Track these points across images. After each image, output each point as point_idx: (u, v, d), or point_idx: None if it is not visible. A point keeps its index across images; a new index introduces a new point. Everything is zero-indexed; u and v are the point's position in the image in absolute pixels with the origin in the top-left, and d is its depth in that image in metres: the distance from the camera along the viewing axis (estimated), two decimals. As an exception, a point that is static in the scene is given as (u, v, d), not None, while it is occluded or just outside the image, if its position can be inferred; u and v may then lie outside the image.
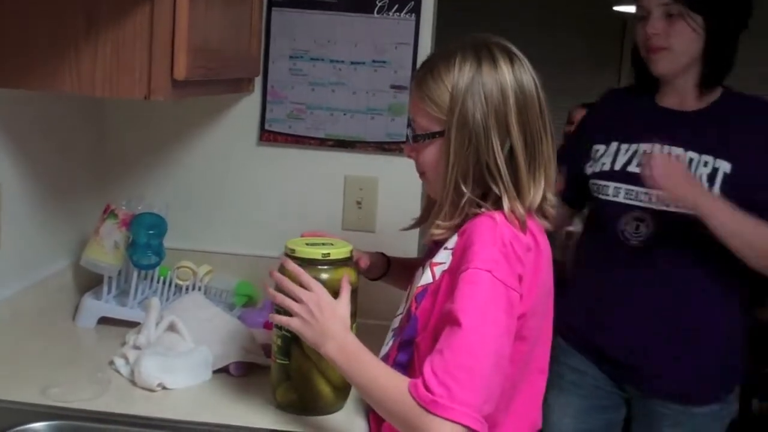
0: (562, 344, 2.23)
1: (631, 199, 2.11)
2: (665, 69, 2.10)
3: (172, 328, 1.91)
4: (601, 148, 2.20)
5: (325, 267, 1.64)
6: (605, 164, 2.16)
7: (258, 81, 2.33)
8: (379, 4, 2.27)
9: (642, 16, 2.10)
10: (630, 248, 2.11)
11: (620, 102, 2.27)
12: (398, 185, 2.33)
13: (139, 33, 1.63)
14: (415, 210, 2.35)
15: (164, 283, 2.20)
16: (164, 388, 1.77)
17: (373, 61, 2.29)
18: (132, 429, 1.62)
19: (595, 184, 2.18)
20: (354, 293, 1.65)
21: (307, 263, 1.62)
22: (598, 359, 2.22)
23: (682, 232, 2.04)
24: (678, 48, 2.06)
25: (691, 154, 2.04)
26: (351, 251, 1.69)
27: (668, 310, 2.09)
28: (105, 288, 2.14)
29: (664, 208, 2.03)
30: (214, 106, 2.35)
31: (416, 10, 2.27)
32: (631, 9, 4.29)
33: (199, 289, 2.20)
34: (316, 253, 1.64)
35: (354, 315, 1.65)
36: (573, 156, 2.24)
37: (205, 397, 1.76)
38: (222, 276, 2.25)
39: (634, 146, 2.13)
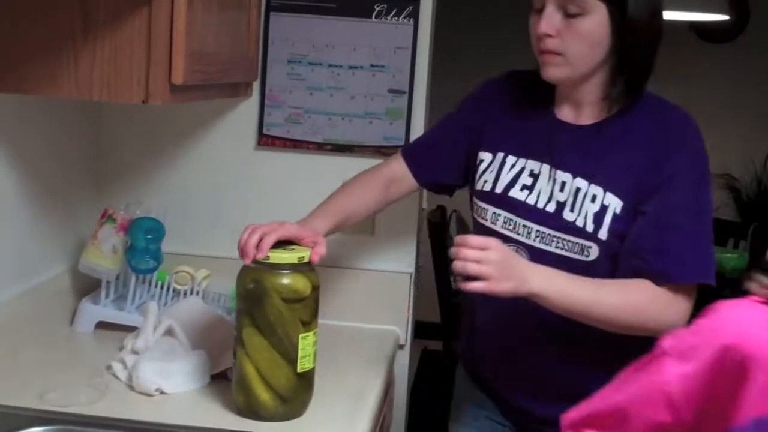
0: (462, 373, 2.04)
1: (509, 230, 1.79)
2: (556, 77, 1.72)
3: (169, 332, 1.91)
4: (486, 158, 1.85)
5: (306, 270, 1.66)
6: (487, 182, 1.83)
7: (256, 85, 2.33)
8: (378, 9, 2.27)
9: (536, 9, 1.71)
10: None
11: (518, 97, 1.87)
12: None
13: (137, 37, 1.63)
14: (413, 213, 2.36)
15: (162, 287, 2.20)
16: (162, 392, 1.77)
17: (372, 66, 2.29)
18: (130, 434, 1.62)
19: (475, 204, 1.87)
20: (316, 293, 1.67)
21: (293, 268, 1.64)
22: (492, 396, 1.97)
23: None
24: (575, 57, 1.68)
25: (579, 182, 1.72)
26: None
27: (550, 366, 1.82)
28: (103, 292, 2.14)
29: (543, 246, 1.74)
30: (212, 111, 2.35)
31: (414, 15, 2.27)
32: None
33: (197, 293, 2.20)
34: (292, 257, 1.65)
35: (316, 315, 1.67)
36: (452, 143, 1.94)
37: (202, 402, 1.76)
38: (220, 280, 2.24)
39: (521, 162, 1.80)
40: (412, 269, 2.37)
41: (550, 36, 1.67)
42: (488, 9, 5.78)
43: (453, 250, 1.60)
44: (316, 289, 1.67)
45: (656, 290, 1.66)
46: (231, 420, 1.67)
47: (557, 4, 1.66)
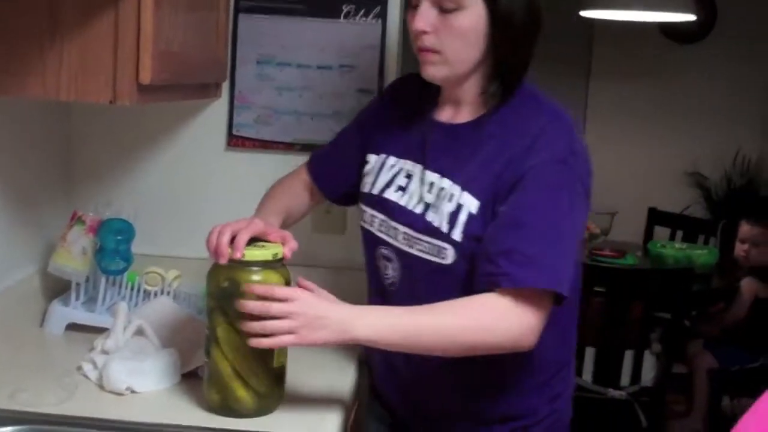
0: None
1: (382, 232, 1.76)
2: (435, 77, 1.67)
3: (140, 332, 1.91)
4: (371, 160, 1.82)
5: (279, 267, 1.67)
6: (367, 184, 1.80)
7: (226, 86, 2.33)
8: (346, 9, 2.28)
9: (413, 5, 1.65)
10: (391, 291, 1.78)
11: (409, 99, 1.82)
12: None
13: (104, 37, 1.64)
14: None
15: (133, 288, 2.20)
16: (133, 391, 1.76)
17: (340, 66, 2.30)
18: (100, 433, 1.62)
19: (360, 207, 1.84)
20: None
21: (265, 265, 1.64)
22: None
23: (427, 280, 1.68)
24: (452, 54, 1.63)
25: (444, 182, 1.66)
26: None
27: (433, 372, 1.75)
28: (73, 294, 2.14)
29: (407, 249, 1.70)
30: (181, 111, 2.36)
31: (383, 15, 2.28)
32: (598, 14, 4.32)
33: (168, 294, 2.20)
34: (267, 254, 1.65)
35: None
36: (349, 151, 1.91)
37: (173, 400, 1.76)
38: (191, 281, 2.25)
39: (400, 163, 1.76)
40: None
41: (426, 32, 1.62)
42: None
43: (251, 305, 1.56)
44: (288, 284, 1.67)
45: (498, 302, 1.54)
46: (202, 417, 1.68)
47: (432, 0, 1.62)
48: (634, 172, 6.02)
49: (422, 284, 1.69)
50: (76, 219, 2.13)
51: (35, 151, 2.22)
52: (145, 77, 1.67)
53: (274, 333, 1.55)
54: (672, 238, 4.96)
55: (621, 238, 4.56)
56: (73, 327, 2.11)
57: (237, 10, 2.30)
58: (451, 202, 1.63)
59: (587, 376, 3.67)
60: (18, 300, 2.11)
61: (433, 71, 1.65)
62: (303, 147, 2.34)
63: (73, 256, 2.11)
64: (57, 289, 2.21)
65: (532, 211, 1.56)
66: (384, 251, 1.76)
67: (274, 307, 1.55)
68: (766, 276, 4.46)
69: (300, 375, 1.80)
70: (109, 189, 2.38)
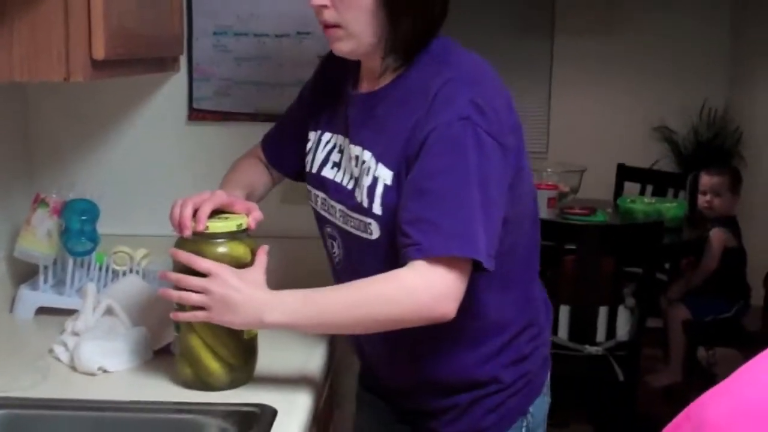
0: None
1: (325, 211, 1.73)
2: (343, 51, 1.62)
3: (110, 312, 1.90)
4: (311, 137, 1.79)
5: (244, 237, 1.65)
6: (308, 162, 1.78)
7: (183, 60, 2.31)
8: (300, -25, 2.25)
9: None
10: (338, 270, 1.75)
11: (336, 69, 1.77)
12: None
13: (54, 13, 1.61)
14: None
15: (101, 269, 2.18)
16: (105, 371, 1.76)
17: (298, 33, 2.28)
18: (74, 413, 1.62)
19: (307, 186, 1.81)
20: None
21: (230, 237, 1.63)
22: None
23: (362, 257, 1.65)
24: (354, 26, 1.57)
25: (365, 154, 1.61)
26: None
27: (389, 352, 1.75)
28: (41, 278, 2.12)
29: (344, 226, 1.66)
30: (140, 87, 2.33)
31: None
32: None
33: (137, 273, 2.19)
34: (230, 225, 1.63)
35: None
36: (297, 128, 1.87)
37: (147, 378, 1.75)
38: (159, 258, 2.23)
39: (334, 139, 1.73)
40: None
41: (325, 7, 1.57)
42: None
43: (174, 277, 1.58)
44: (254, 254, 1.66)
45: (407, 274, 1.48)
46: (177, 392, 1.67)
47: None
48: (601, 128, 6.04)
49: (359, 262, 1.65)
50: (39, 201, 2.11)
51: (-7, 135, 2.19)
52: (99, 53, 1.65)
53: (188, 305, 1.56)
54: (642, 193, 4.98)
55: (591, 196, 4.57)
56: (43, 310, 2.10)
57: (191, -18, 2.27)
58: (368, 175, 1.59)
59: (563, 333, 3.70)
60: (-15, 286, 2.09)
61: (340, 46, 1.60)
62: (267, 117, 2.31)
63: (39, 239, 2.09)
64: (25, 273, 2.19)
65: (436, 176, 1.49)
66: (328, 230, 1.73)
67: (191, 281, 1.55)
68: (733, 225, 4.50)
69: (273, 346, 1.80)
70: (71, 169, 2.36)
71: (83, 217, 2.08)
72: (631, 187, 5.07)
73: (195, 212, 1.63)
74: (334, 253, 1.74)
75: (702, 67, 6.00)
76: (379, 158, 1.58)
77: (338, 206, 1.67)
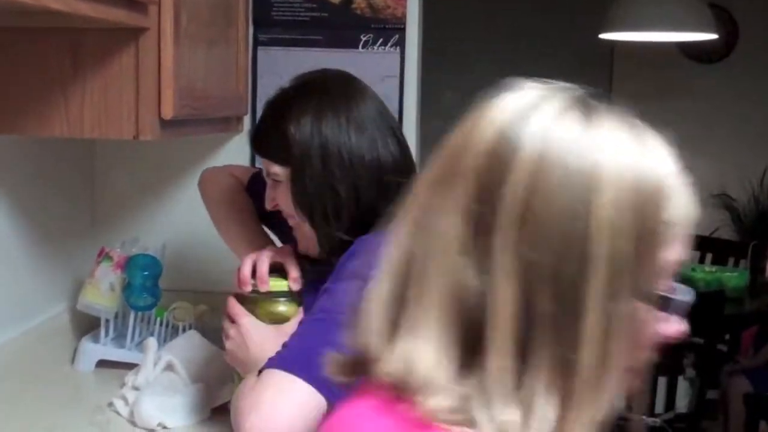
0: None
1: None
2: (304, 239, 1.62)
3: (170, 367, 1.92)
4: None
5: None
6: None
7: (247, 120, 2.35)
8: (364, 39, 2.29)
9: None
10: None
11: None
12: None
13: (125, 74, 1.65)
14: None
15: (161, 324, 2.20)
16: (164, 427, 1.77)
17: (360, 95, 2.30)
18: (132, 468, 1.63)
19: None
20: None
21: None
22: None
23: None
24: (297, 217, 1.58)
25: None
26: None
27: None
28: (102, 331, 2.15)
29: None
30: (204, 145, 2.37)
31: (401, 44, 2.29)
32: (618, 36, 4.32)
33: (196, 328, 2.21)
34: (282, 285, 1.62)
35: None
36: None
37: (204, 434, 1.76)
38: (218, 315, 2.25)
39: None
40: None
41: (275, 208, 1.63)
42: (475, 35, 5.81)
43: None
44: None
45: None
46: (232, 450, 1.67)
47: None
48: (660, 195, 5.97)
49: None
50: (103, 255, 2.15)
51: (61, 189, 2.24)
52: (167, 112, 1.69)
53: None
54: (701, 261, 4.91)
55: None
56: (103, 363, 2.12)
57: (256, 44, 2.32)
58: None
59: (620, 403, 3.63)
60: (48, 338, 2.12)
61: (299, 235, 1.62)
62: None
63: (102, 293, 2.12)
64: (86, 326, 2.22)
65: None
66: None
67: (225, 321, 1.59)
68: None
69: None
70: (135, 224, 2.40)
71: (145, 273, 2.11)
72: (690, 255, 5.00)
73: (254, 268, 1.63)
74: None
75: (762, 133, 5.93)
76: None
77: None
